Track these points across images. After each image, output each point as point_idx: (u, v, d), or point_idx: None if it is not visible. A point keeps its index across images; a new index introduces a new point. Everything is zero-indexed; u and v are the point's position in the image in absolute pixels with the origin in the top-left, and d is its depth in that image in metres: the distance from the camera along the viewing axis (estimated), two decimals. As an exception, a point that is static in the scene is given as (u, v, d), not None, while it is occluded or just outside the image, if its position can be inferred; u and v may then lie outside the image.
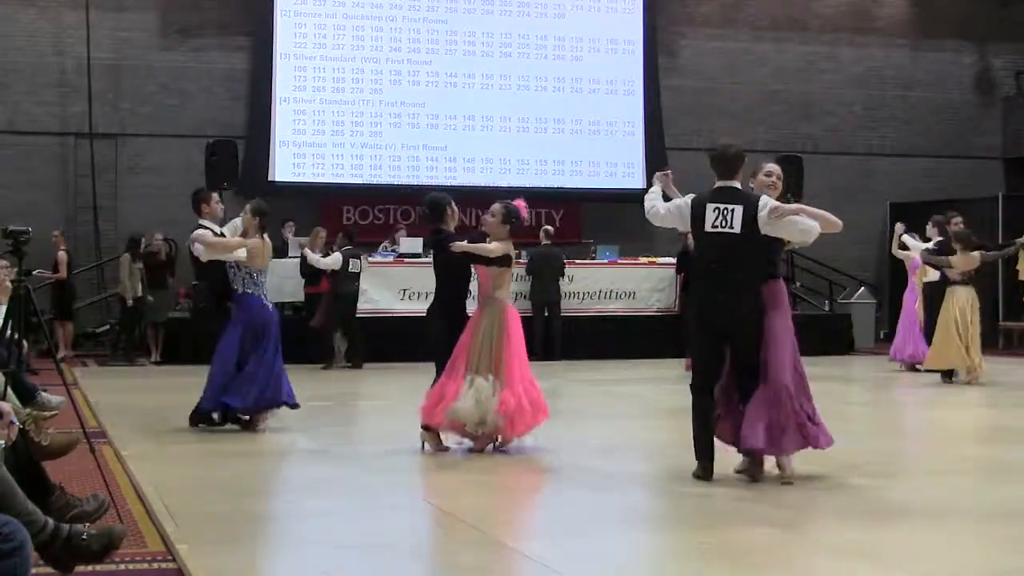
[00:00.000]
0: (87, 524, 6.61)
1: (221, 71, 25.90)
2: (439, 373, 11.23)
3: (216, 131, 24.81)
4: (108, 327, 23.86)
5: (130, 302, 21.59)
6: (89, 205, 24.91)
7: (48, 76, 25.14)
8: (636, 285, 23.46)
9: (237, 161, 23.92)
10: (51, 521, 6.33)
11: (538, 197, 25.99)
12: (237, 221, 13.75)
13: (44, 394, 13.38)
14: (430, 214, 11.88)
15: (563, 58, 27.36)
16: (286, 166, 25.61)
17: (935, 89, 30.57)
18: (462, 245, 11.23)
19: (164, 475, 9.81)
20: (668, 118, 27.70)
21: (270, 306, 13.13)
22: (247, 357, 12.61)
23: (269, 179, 25.37)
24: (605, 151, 27.25)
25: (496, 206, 11.47)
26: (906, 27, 30.44)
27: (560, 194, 26.39)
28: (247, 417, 12.68)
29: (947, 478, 9.96)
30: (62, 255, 22.44)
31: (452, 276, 11.56)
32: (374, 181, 26.17)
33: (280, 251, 22.59)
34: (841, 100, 29.53)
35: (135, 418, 13.79)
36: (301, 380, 18.55)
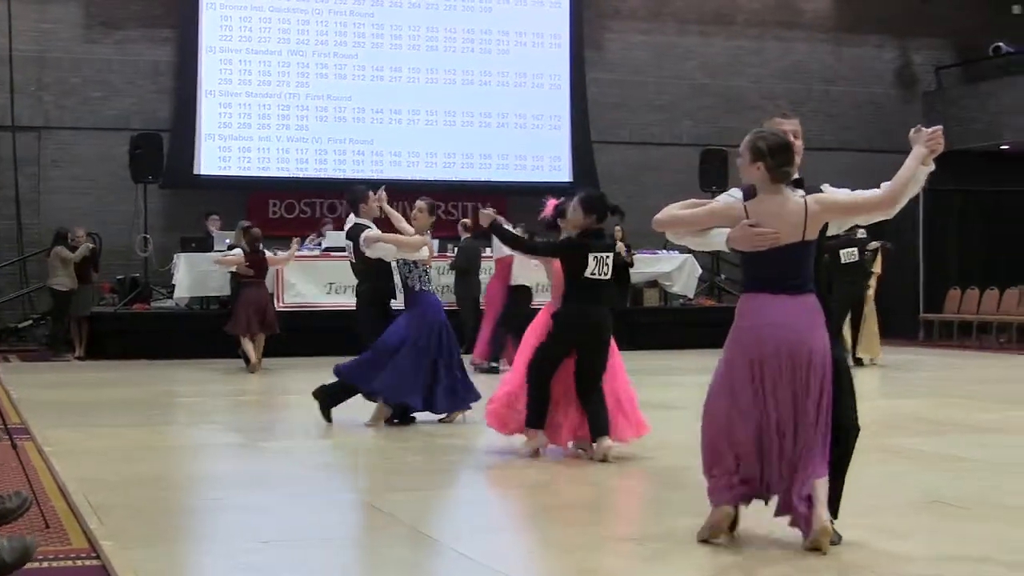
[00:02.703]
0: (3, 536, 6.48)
1: (146, 64, 25.65)
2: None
3: (141, 124, 24.67)
4: (31, 322, 23.65)
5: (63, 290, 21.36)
6: (11, 198, 24.56)
7: (-30, 68, 24.85)
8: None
9: (162, 154, 23.82)
10: None
11: (464, 191, 26.05)
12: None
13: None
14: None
15: (490, 52, 27.32)
16: (212, 159, 25.39)
17: (858, 84, 30.79)
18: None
19: (88, 471, 9.70)
20: (595, 111, 27.73)
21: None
22: (423, 353, 12.24)
23: (194, 172, 25.18)
24: (532, 145, 27.23)
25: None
26: (830, 22, 30.65)
27: (486, 188, 26.30)
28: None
29: (869, 468, 10.00)
30: (-18, 249, 22.23)
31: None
32: (300, 175, 26.03)
33: (205, 245, 22.52)
34: (766, 94, 29.63)
35: (58, 413, 13.66)
36: (227, 374, 18.54)
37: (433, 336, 12.26)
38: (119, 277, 23.70)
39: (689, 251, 21.93)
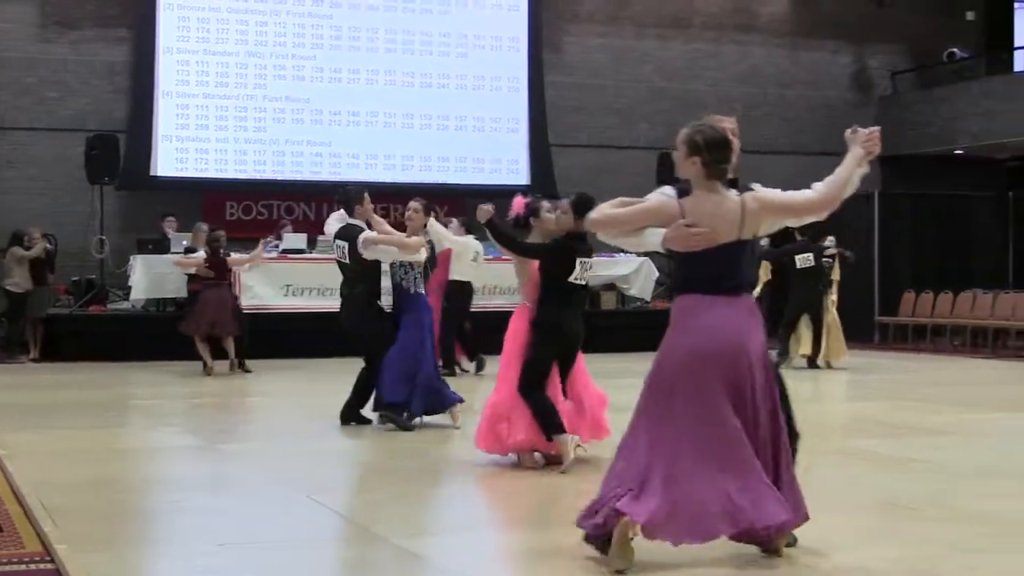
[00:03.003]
0: None
1: (102, 64, 25.49)
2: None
3: (97, 125, 24.50)
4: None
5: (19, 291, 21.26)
6: (-34, 199, 24.43)
7: (-76, 68, 24.71)
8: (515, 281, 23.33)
9: (118, 155, 23.71)
10: None
11: (422, 193, 25.96)
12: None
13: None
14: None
15: (448, 54, 27.29)
16: (168, 160, 25.25)
17: (813, 88, 30.92)
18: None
19: (43, 473, 9.67)
20: (553, 114, 27.75)
21: None
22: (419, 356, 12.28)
23: (151, 174, 25.03)
24: (490, 147, 27.23)
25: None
26: (786, 27, 30.76)
27: (445, 190, 26.25)
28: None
29: (825, 470, 10.04)
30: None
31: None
32: (258, 176, 25.94)
33: (162, 247, 22.43)
34: (723, 98, 29.69)
35: (13, 416, 13.58)
36: (184, 376, 18.48)
37: (426, 339, 12.33)
38: (75, 279, 23.56)
39: (646, 253, 21.94)
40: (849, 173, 6.97)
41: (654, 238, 6.83)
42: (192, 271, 19.49)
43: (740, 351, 6.63)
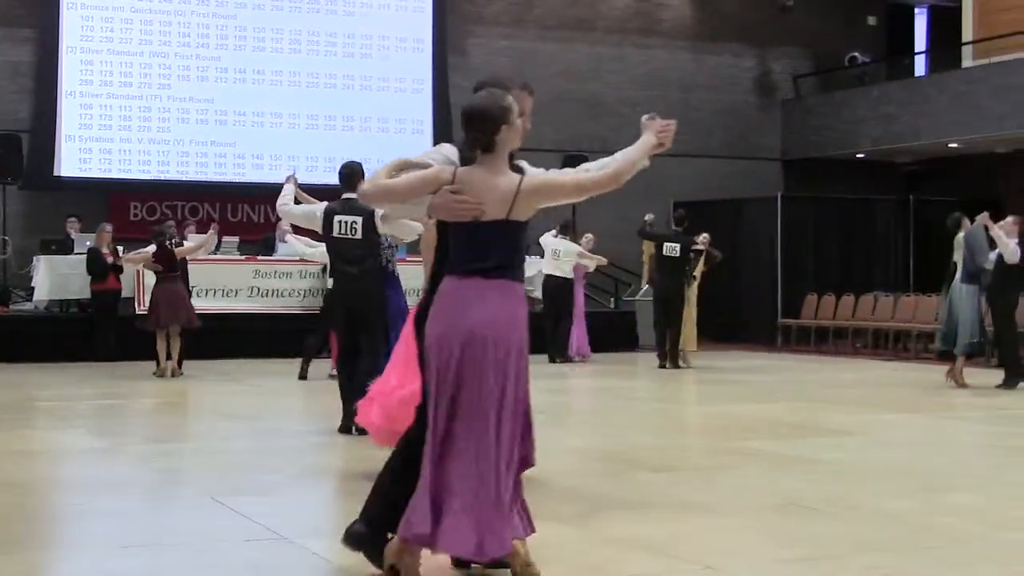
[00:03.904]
0: None
1: (5, 64, 25.27)
2: None
3: (0, 125, 24.27)
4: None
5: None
6: None
7: None
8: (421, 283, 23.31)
9: (22, 155, 23.56)
10: None
11: (326, 194, 25.92)
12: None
13: None
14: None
15: (353, 55, 27.30)
16: (72, 161, 25.09)
17: (717, 91, 31.15)
18: None
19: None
20: (457, 116, 27.63)
21: None
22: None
23: (55, 174, 24.89)
24: (395, 148, 26.88)
25: None
26: (689, 30, 30.97)
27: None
28: None
29: (727, 471, 10.13)
30: None
31: None
32: (162, 177, 25.80)
33: (66, 247, 22.25)
34: (627, 100, 29.85)
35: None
36: (88, 378, 18.32)
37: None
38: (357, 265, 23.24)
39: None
40: (638, 157, 6.54)
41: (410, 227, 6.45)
42: (140, 266, 19.40)
43: (485, 341, 5.99)
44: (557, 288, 21.69)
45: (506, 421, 6.04)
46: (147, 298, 20.55)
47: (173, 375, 18.40)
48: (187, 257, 19.16)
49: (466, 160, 6.37)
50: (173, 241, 18.70)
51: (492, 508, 5.95)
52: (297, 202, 11.53)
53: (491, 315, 6.02)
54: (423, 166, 6.38)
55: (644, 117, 6.66)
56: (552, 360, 21.16)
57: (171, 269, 18.57)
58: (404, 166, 6.37)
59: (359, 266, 12.12)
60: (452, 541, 5.95)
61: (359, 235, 12.08)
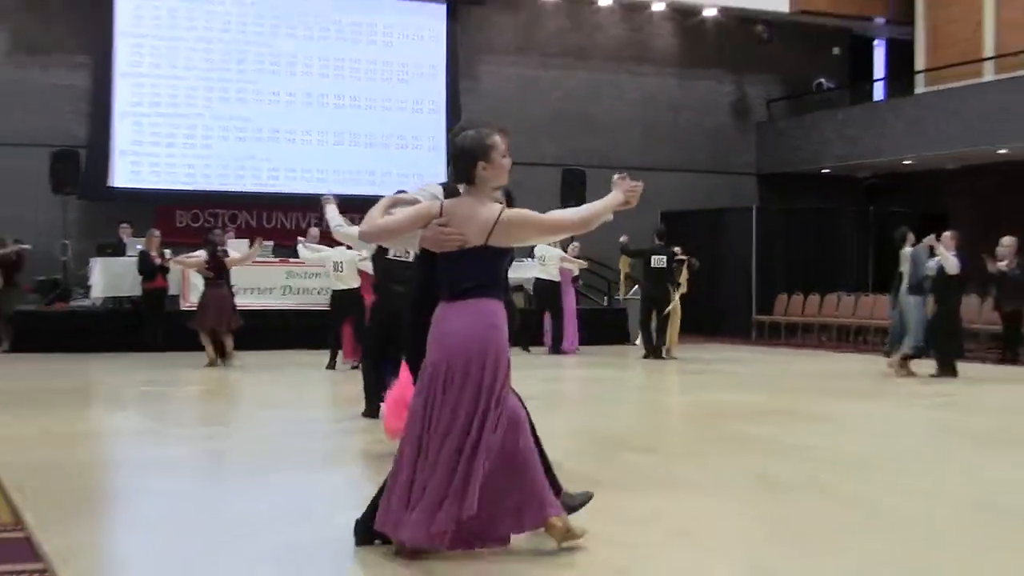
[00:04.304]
0: None
1: (64, 88, 25.38)
2: None
3: (60, 141, 24.38)
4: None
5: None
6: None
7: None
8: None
9: (79, 169, 23.71)
10: None
11: (351, 205, 25.99)
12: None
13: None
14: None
15: (375, 80, 27.42)
16: (124, 173, 25.26)
17: (700, 113, 31.23)
18: None
19: (7, 455, 9.38)
20: (468, 135, 27.76)
21: None
22: None
23: (108, 185, 25.07)
24: (413, 163, 27.27)
25: None
26: (676, 58, 31.04)
27: (372, 202, 26.17)
28: None
29: (710, 456, 10.11)
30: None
31: None
32: (204, 188, 25.93)
33: (118, 250, 22.35)
34: (621, 120, 30.00)
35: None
36: (135, 366, 18.37)
37: None
38: (40, 279, 23.49)
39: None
40: (605, 210, 6.44)
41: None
42: (193, 270, 19.60)
43: (463, 356, 6.10)
44: (544, 289, 22.34)
45: (478, 428, 6.06)
46: (192, 295, 20.67)
47: (224, 363, 18.47)
48: None
49: (450, 192, 6.52)
50: (221, 250, 18.83)
51: (442, 498, 5.99)
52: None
53: (467, 335, 6.10)
54: (412, 203, 6.52)
55: (616, 176, 6.62)
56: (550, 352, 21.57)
57: (220, 276, 18.67)
58: (395, 203, 6.54)
59: (406, 286, 11.98)
60: (414, 535, 6.00)
61: (411, 258, 11.98)
